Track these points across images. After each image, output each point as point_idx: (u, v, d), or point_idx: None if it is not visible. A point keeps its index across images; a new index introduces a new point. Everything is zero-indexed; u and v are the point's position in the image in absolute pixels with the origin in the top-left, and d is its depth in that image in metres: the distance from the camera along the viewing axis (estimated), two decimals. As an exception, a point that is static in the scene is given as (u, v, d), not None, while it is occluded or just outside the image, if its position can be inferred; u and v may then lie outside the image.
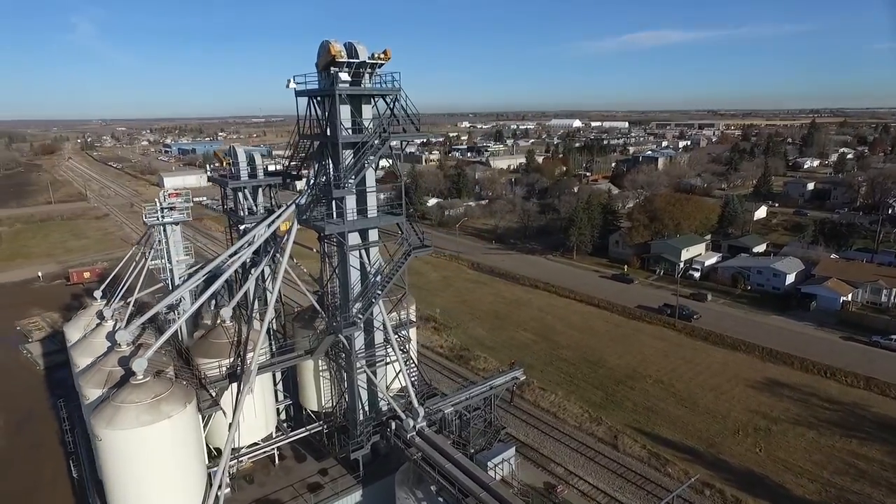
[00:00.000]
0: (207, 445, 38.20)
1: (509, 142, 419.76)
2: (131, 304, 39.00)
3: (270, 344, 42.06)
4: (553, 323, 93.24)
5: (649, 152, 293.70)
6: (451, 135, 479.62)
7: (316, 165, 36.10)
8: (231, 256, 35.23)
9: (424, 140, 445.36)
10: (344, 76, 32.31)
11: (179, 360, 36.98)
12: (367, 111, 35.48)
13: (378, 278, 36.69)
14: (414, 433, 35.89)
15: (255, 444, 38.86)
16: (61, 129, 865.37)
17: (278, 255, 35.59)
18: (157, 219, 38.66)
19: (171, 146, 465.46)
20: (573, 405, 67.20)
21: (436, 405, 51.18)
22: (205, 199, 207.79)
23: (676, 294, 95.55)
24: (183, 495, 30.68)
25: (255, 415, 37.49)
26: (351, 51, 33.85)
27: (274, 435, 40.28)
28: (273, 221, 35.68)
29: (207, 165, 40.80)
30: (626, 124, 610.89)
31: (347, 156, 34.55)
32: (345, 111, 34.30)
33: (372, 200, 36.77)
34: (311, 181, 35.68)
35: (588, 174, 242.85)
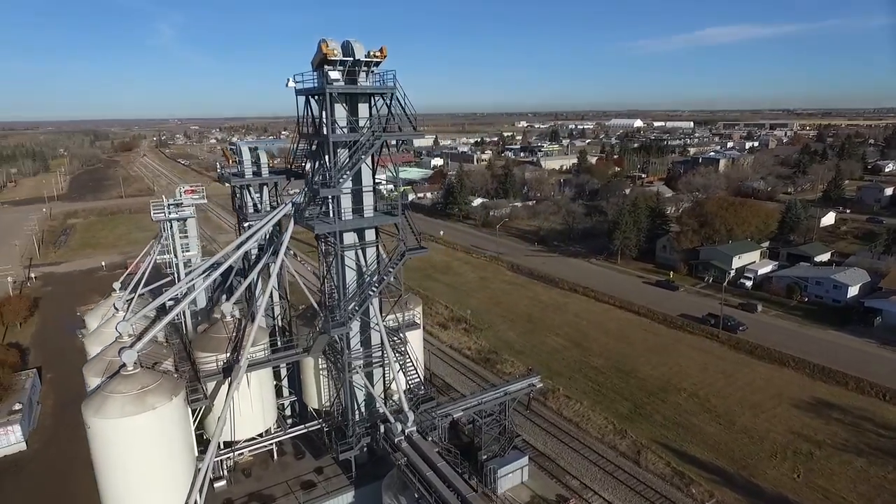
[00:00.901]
0: (206, 438, 39.02)
1: (565, 142, 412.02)
2: (135, 296, 40.34)
3: (276, 340, 42.60)
4: (587, 329, 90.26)
5: (712, 153, 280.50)
6: (505, 134, 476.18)
7: (315, 164, 36.08)
8: (231, 253, 35.89)
9: (478, 139, 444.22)
10: (335, 74, 32.06)
11: (183, 352, 38.01)
12: (364, 110, 35.11)
13: (373, 279, 36.30)
14: (402, 438, 35.23)
15: (253, 438, 39.39)
16: (141, 128, 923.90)
17: (281, 251, 35.84)
18: (164, 215, 40.01)
19: (235, 144, 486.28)
20: (598, 416, 64.64)
21: (445, 409, 50.41)
22: None
23: (721, 303, 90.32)
24: (168, 486, 31.42)
25: (252, 410, 38.00)
26: (347, 49, 33.58)
27: (273, 430, 40.73)
28: (271, 219, 36.05)
29: (217, 163, 41.55)
30: (691, 124, 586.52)
31: (343, 155, 34.30)
32: (340, 110, 34.08)
33: (368, 200, 36.37)
34: (309, 180, 35.74)
35: (643, 175, 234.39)
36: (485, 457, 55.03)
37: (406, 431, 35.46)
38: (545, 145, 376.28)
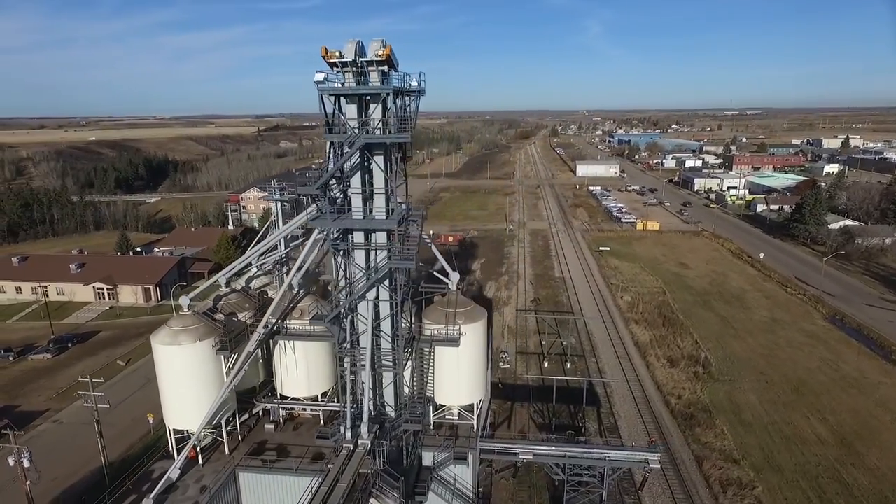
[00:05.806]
0: (279, 393, 45.44)
1: None
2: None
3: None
4: (882, 427, 61.30)
5: None
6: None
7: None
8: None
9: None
10: (318, 76, 32.31)
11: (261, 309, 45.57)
12: (378, 111, 34.09)
13: (368, 280, 35.48)
14: (347, 445, 34.05)
15: (296, 399, 44.21)
16: (552, 118, 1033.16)
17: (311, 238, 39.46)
18: (274, 195, 47.52)
19: (613, 136, 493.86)
20: (783, 547, 45.06)
21: (513, 446, 45.27)
22: (638, 187, 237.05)
23: None
24: (193, 407, 39.06)
25: (296, 373, 42.68)
26: (361, 50, 33.32)
27: (319, 399, 44.63)
28: (303, 214, 40.24)
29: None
30: None
31: (352, 154, 34.29)
32: (350, 110, 34.16)
33: (380, 202, 35.30)
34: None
35: None
36: (566, 514, 46.80)
37: (360, 442, 34.16)
38: None
